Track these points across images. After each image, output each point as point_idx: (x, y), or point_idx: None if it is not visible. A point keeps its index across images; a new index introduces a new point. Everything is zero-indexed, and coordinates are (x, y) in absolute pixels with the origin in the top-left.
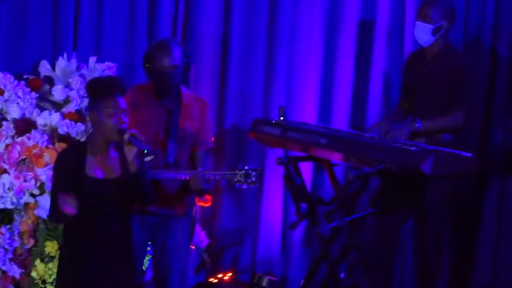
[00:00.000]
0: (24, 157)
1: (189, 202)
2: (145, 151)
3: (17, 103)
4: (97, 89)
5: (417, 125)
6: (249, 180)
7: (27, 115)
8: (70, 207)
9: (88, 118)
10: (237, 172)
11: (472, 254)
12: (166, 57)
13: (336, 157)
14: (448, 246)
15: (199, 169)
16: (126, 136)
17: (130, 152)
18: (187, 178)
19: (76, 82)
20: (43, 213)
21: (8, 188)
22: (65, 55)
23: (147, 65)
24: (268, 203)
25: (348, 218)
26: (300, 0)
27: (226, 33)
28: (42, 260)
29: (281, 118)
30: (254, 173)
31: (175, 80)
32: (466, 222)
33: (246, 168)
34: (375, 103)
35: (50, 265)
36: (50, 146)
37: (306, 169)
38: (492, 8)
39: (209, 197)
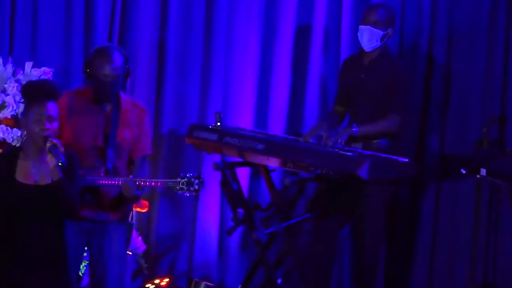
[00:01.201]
0: None
1: (126, 208)
2: (60, 164)
3: None
4: (27, 94)
5: (353, 129)
6: (191, 188)
7: None
8: None
9: (20, 123)
10: (179, 180)
11: (409, 258)
12: (108, 65)
13: (273, 163)
14: (385, 250)
15: (131, 176)
16: (47, 145)
17: (51, 161)
18: (120, 184)
19: (12, 87)
20: None
21: None
22: (0, 60)
23: (87, 71)
24: (205, 209)
25: (285, 223)
26: (236, 6)
27: (162, 38)
28: None
29: (218, 124)
30: (197, 181)
31: (116, 87)
32: (403, 226)
33: (188, 175)
34: (312, 108)
35: None
36: None
37: (243, 174)
38: (428, 14)
39: (145, 202)
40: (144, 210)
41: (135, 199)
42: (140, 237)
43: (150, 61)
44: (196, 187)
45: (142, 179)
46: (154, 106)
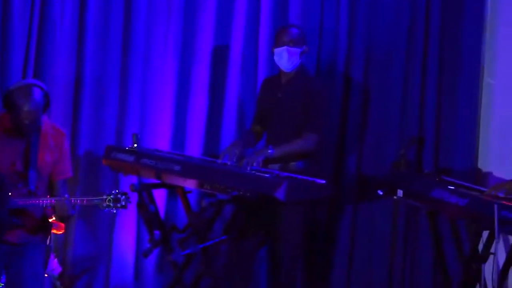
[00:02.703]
0: None
1: (47, 229)
2: None
3: None
4: None
5: (269, 151)
6: (118, 205)
7: None
8: None
9: None
10: (105, 197)
11: (326, 279)
12: (28, 103)
13: (190, 184)
14: (303, 271)
15: (66, 195)
16: None
17: None
18: (53, 204)
19: None
20: None
21: None
22: None
23: (7, 107)
24: (122, 230)
25: (201, 245)
26: (153, 28)
27: (79, 60)
28: None
29: (135, 145)
30: (123, 197)
31: (37, 122)
32: (321, 247)
33: (114, 192)
34: (229, 129)
35: None
36: None
37: (160, 196)
38: (345, 33)
39: (62, 224)
40: (60, 232)
41: (69, 218)
42: (56, 259)
43: (67, 83)
44: (123, 203)
45: (73, 198)
46: (70, 128)
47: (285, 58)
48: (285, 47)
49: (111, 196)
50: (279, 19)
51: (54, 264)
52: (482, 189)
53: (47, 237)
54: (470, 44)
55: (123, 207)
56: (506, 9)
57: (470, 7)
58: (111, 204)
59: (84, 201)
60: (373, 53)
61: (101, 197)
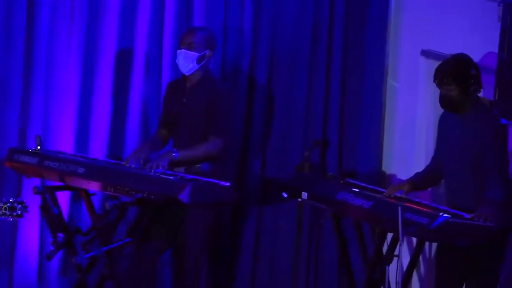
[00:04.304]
0: None
1: None
2: None
3: None
4: None
5: (174, 154)
6: (14, 213)
7: None
8: None
9: None
10: (1, 205)
11: (231, 281)
12: None
13: (93, 187)
14: (207, 274)
15: None
16: None
17: None
18: None
19: None
20: None
21: None
22: None
23: None
24: (25, 233)
25: (105, 247)
26: (57, 29)
27: None
28: None
29: (38, 147)
30: (20, 205)
31: None
32: (225, 250)
33: (11, 200)
34: (133, 132)
35: None
36: None
37: (64, 198)
38: (250, 35)
39: None
40: None
41: None
42: None
43: None
44: (19, 212)
45: None
46: None
47: (181, 61)
48: (183, 50)
49: (7, 205)
50: (183, 20)
51: None
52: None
53: None
54: (373, 47)
55: (19, 216)
56: (409, 13)
57: (373, 10)
58: (7, 213)
59: None
60: (277, 54)
61: None
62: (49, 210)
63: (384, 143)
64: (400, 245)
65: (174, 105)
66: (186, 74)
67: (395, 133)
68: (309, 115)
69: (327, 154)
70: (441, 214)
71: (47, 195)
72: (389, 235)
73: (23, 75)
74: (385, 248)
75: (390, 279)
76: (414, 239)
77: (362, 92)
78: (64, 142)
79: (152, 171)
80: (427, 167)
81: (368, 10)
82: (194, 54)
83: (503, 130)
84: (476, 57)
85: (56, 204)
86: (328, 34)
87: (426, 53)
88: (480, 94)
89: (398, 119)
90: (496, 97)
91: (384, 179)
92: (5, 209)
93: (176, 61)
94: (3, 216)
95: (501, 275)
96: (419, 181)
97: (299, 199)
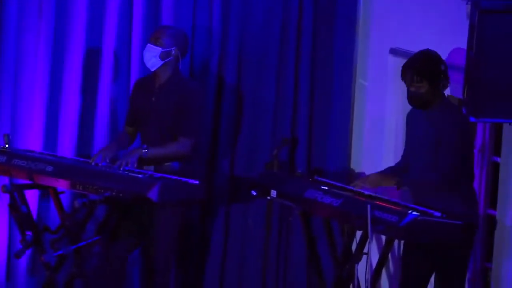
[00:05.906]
0: None
1: None
2: None
3: None
4: None
5: (143, 151)
6: None
7: None
8: None
9: None
10: None
11: (200, 280)
12: None
13: (62, 185)
14: (176, 273)
15: None
16: None
17: None
18: None
19: None
20: None
21: None
22: None
23: None
24: None
25: (74, 246)
26: (25, 28)
27: None
28: None
29: (6, 146)
30: None
31: None
32: (194, 248)
33: None
34: (102, 130)
35: None
36: None
37: (32, 196)
38: (218, 33)
39: None
40: None
41: None
42: None
43: None
44: None
45: None
46: None
47: (145, 55)
48: (148, 45)
49: None
50: (152, 19)
51: None
52: (355, 189)
53: None
54: (342, 46)
55: None
56: (377, 12)
57: (342, 9)
58: None
59: None
60: (246, 53)
61: None
62: (17, 208)
63: (353, 141)
64: (369, 243)
65: (143, 103)
66: (151, 70)
67: (364, 131)
68: (277, 113)
69: (296, 152)
70: (410, 212)
71: (16, 193)
72: (358, 233)
73: None
74: (354, 246)
75: (359, 277)
76: (383, 237)
77: (330, 91)
78: (32, 140)
79: (121, 169)
80: (397, 163)
81: (336, 9)
82: (158, 49)
83: (468, 128)
84: (444, 55)
85: (25, 203)
86: (297, 33)
87: (395, 52)
88: (448, 92)
89: (367, 117)
90: (465, 95)
91: (352, 177)
92: None
93: (143, 54)
94: None
95: (468, 272)
96: (387, 172)
97: (268, 197)
